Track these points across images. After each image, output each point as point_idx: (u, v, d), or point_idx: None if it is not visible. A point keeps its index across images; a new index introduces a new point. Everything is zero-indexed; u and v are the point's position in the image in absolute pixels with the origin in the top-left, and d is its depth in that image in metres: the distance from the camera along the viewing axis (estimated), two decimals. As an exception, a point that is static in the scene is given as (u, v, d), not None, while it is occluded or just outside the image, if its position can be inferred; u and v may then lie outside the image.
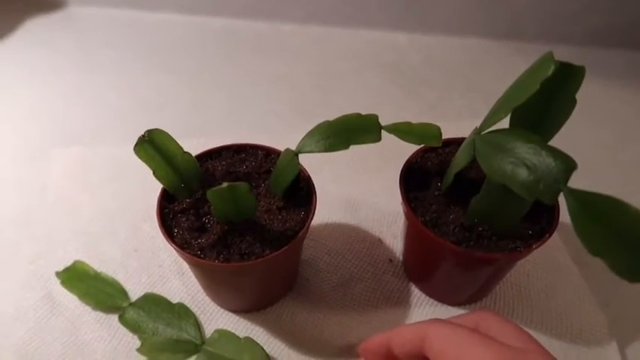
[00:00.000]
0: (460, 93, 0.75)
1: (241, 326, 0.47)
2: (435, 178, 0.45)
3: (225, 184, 0.36)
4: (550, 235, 0.40)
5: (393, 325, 0.47)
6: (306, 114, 0.69)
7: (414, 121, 0.43)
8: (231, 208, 0.39)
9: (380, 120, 0.42)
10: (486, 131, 0.37)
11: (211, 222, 0.42)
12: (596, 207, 0.30)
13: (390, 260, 0.52)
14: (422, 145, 0.46)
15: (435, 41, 0.85)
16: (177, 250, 0.40)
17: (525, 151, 0.33)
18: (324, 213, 0.56)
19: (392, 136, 0.42)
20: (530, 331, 0.46)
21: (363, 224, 0.55)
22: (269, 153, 0.47)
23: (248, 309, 0.48)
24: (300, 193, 0.45)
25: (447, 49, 0.84)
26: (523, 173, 0.33)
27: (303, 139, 0.42)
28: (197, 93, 0.73)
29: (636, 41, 0.82)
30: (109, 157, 0.62)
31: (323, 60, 0.80)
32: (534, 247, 0.40)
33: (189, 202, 0.43)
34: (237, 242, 0.40)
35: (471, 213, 0.41)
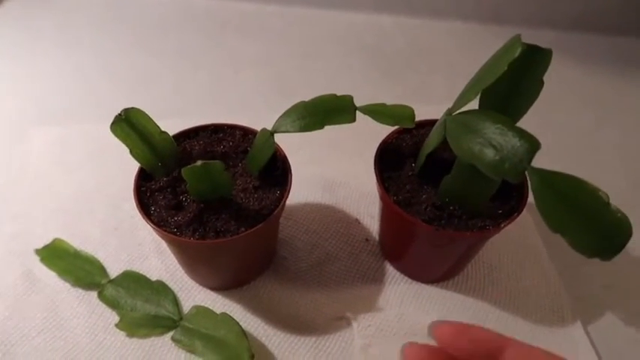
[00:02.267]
0: (443, 77, 0.75)
1: (219, 303, 0.48)
2: (409, 158, 0.46)
3: (199, 162, 0.36)
4: (518, 214, 0.42)
5: (366, 302, 0.48)
6: (288, 95, 0.70)
7: (403, 104, 0.44)
8: (206, 187, 0.40)
9: (361, 102, 0.42)
10: (457, 112, 0.38)
11: (188, 200, 0.42)
12: (557, 185, 0.32)
13: (367, 240, 0.53)
14: (397, 127, 0.47)
15: (419, 24, 0.85)
16: (153, 228, 0.40)
17: (492, 131, 0.34)
18: (303, 193, 0.57)
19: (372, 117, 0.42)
20: (499, 311, 0.48)
21: (340, 204, 0.56)
22: (246, 133, 0.48)
23: (226, 286, 0.49)
24: (277, 172, 0.45)
25: (431, 33, 0.84)
26: (490, 153, 0.34)
27: (278, 119, 0.42)
28: (178, 73, 0.73)
29: (618, 26, 0.83)
30: (88, 136, 0.62)
31: (306, 41, 0.80)
32: (503, 225, 0.41)
33: (166, 181, 0.43)
34: (213, 220, 0.41)
35: (443, 193, 0.42)
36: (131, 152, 0.42)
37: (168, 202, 0.42)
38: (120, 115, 0.40)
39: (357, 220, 0.55)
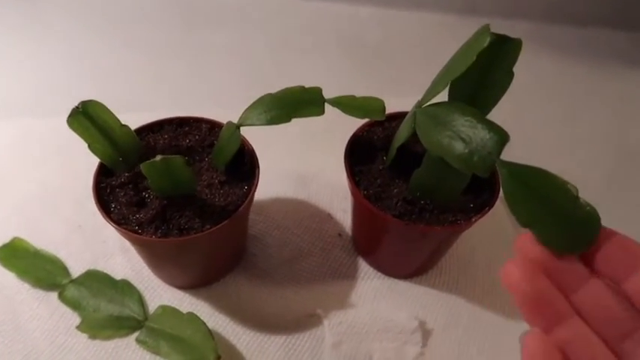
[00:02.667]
0: (419, 68, 0.73)
1: (186, 302, 0.46)
2: (380, 152, 0.45)
3: (159, 157, 0.35)
4: (490, 208, 0.41)
5: (338, 299, 0.47)
6: (263, 87, 0.67)
7: (373, 96, 0.43)
8: (168, 183, 0.38)
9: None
10: (427, 104, 0.37)
11: (151, 197, 0.41)
12: (526, 179, 0.31)
13: (339, 235, 0.52)
14: (368, 119, 0.46)
15: (396, 15, 0.84)
16: (113, 226, 0.39)
17: (462, 124, 0.33)
18: (275, 188, 0.55)
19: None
20: (472, 305, 0.48)
21: (313, 199, 0.55)
22: (213, 126, 0.46)
23: (193, 285, 0.47)
24: (244, 167, 0.44)
25: (408, 24, 0.83)
26: (459, 146, 0.33)
27: (244, 112, 0.41)
28: (152, 64, 0.71)
29: (592, 18, 0.83)
30: (53, 130, 0.60)
31: (282, 32, 0.79)
32: (474, 219, 0.40)
33: (128, 177, 0.41)
34: (177, 217, 0.40)
35: (413, 187, 0.41)
36: (90, 147, 0.40)
37: (129, 198, 0.40)
38: (77, 107, 0.39)
39: (329, 214, 0.54)
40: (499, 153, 0.32)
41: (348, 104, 0.41)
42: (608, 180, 0.61)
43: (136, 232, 0.39)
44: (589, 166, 0.63)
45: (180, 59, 0.72)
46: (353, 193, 0.43)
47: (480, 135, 0.32)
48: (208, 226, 0.39)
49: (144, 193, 0.41)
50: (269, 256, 0.50)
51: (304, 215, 0.53)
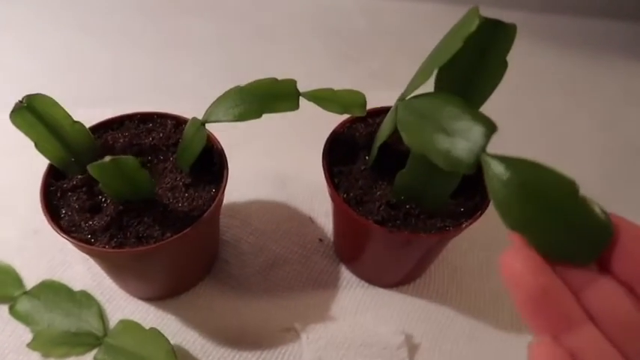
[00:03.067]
0: (407, 60, 0.69)
1: (151, 315, 0.42)
2: (363, 150, 0.41)
3: (108, 158, 0.31)
4: (482, 213, 0.37)
5: (317, 311, 0.44)
6: (238, 80, 0.63)
7: (354, 89, 0.39)
8: (122, 186, 0.34)
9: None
10: (410, 96, 0.33)
11: (107, 202, 0.37)
12: (517, 174, 0.26)
13: (320, 240, 0.48)
14: (350, 115, 0.42)
15: (383, 5, 0.80)
16: (61, 235, 0.35)
17: (445, 115, 0.29)
18: (251, 189, 0.51)
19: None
20: (463, 317, 0.44)
21: (293, 201, 0.51)
22: (179, 123, 0.42)
23: (159, 296, 0.43)
24: (213, 168, 0.40)
25: (395, 14, 0.79)
26: (441, 140, 0.29)
27: (210, 106, 0.37)
28: (117, 55, 0.67)
29: (590, 8, 0.79)
30: (7, 127, 0.55)
31: (260, 22, 0.74)
32: (464, 225, 0.37)
33: (81, 179, 0.37)
34: (134, 224, 0.36)
35: (397, 189, 0.37)
36: (37, 146, 0.36)
37: (82, 203, 0.36)
38: (21, 102, 0.34)
39: (310, 218, 0.50)
40: (485, 145, 0.27)
41: (325, 98, 0.37)
42: (608, 177, 0.58)
43: (87, 241, 0.35)
44: (588, 163, 0.59)
45: (149, 50, 0.68)
46: (332, 197, 0.39)
47: (464, 126, 0.28)
48: (169, 234, 0.35)
49: (100, 198, 0.37)
50: (243, 263, 0.46)
51: (283, 219, 0.49)
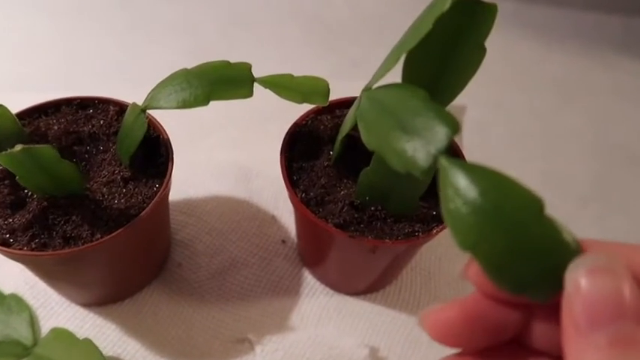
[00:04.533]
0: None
1: (89, 323, 0.38)
2: (328, 145, 0.37)
3: (18, 147, 0.26)
4: (455, 218, 0.33)
5: (275, 320, 0.40)
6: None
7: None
8: (42, 180, 0.30)
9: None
10: (375, 86, 0.29)
11: (33, 197, 0.32)
12: (476, 184, 0.22)
13: (283, 241, 0.44)
14: (315, 105, 0.38)
15: (366, -9, 0.76)
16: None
17: (406, 110, 0.25)
18: (211, 184, 0.47)
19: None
20: (434, 327, 0.40)
21: (256, 198, 0.47)
22: (123, 109, 0.37)
23: (98, 302, 0.39)
24: (159, 160, 0.36)
25: (377, 2, 0.74)
26: (397, 138, 0.25)
27: (152, 91, 0.33)
28: (76, 38, 0.62)
29: (582, 1, 0.75)
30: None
31: (234, 7, 0.70)
32: (435, 232, 0.33)
33: (2, 170, 0.33)
34: (61, 223, 0.31)
35: (361, 189, 0.33)
36: (-51, 132, 0.31)
37: (3, 198, 0.32)
38: None
39: (273, 217, 0.46)
40: (444, 148, 0.23)
41: (281, 85, 0.33)
42: (597, 177, 0.54)
43: (4, 242, 0.30)
44: (577, 162, 0.56)
45: (111, 34, 0.63)
46: (290, 196, 0.35)
47: (424, 124, 0.24)
48: (99, 235, 0.31)
49: (25, 192, 0.33)
50: (197, 266, 0.42)
51: (243, 217, 0.45)
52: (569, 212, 0.51)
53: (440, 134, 0.23)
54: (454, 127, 0.22)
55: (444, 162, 0.23)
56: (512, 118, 0.60)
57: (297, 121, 0.38)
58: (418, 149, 0.24)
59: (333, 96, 0.38)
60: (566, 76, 0.66)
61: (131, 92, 0.39)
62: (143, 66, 0.60)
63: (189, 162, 0.48)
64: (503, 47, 0.66)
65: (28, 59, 0.58)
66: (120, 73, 0.58)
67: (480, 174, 0.22)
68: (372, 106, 0.28)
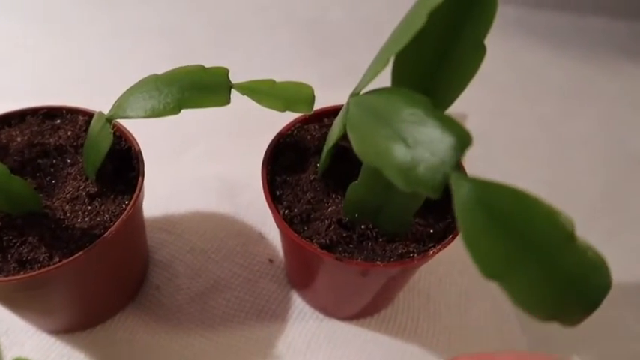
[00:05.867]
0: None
1: (55, 352, 0.35)
2: (314, 157, 0.34)
3: (-41, 162, 0.23)
4: (455, 237, 0.30)
5: (261, 347, 0.36)
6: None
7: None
8: (-8, 197, 0.27)
9: None
10: (364, 91, 0.26)
11: (-11, 215, 0.29)
12: (495, 205, 0.20)
13: (270, 261, 0.41)
14: (301, 114, 0.35)
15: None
16: None
17: (404, 118, 0.22)
18: (193, 199, 0.44)
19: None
20: (433, 355, 0.37)
21: (241, 214, 0.44)
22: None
23: (67, 329, 0.36)
24: (131, 174, 0.33)
25: (374, 5, 0.72)
26: (398, 152, 0.22)
27: (119, 98, 0.30)
28: (55, 45, 0.59)
29: (589, 5, 0.72)
30: None
31: (226, 10, 0.67)
32: (432, 252, 0.29)
33: (-45, 187, 0.30)
34: (17, 245, 0.28)
35: (349, 206, 0.30)
36: None
37: (-46, 217, 0.29)
38: None
39: (260, 234, 0.42)
40: (456, 163, 0.21)
41: (262, 91, 0.30)
42: (606, 188, 0.51)
43: (-50, 266, 0.27)
44: (585, 172, 0.52)
45: (93, 40, 0.60)
46: (272, 213, 0.32)
47: (429, 135, 0.21)
48: (58, 259, 0.28)
49: (-20, 210, 0.30)
50: (176, 288, 0.39)
51: (227, 234, 0.42)
52: (577, 227, 0.48)
53: (449, 147, 0.20)
54: (465, 138, 0.20)
55: (458, 180, 0.20)
56: (516, 127, 0.57)
57: (281, 131, 0.35)
58: (425, 165, 0.21)
59: (327, 104, 0.35)
60: (571, 82, 0.63)
61: (112, 101, 0.37)
62: (126, 73, 0.57)
63: (170, 176, 0.45)
64: (506, 54, 0.63)
65: (4, 66, 0.56)
66: (101, 80, 0.56)
67: (501, 194, 0.20)
68: (362, 113, 0.25)
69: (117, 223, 0.29)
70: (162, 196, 0.44)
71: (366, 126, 0.24)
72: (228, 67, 0.31)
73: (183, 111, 0.42)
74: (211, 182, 0.45)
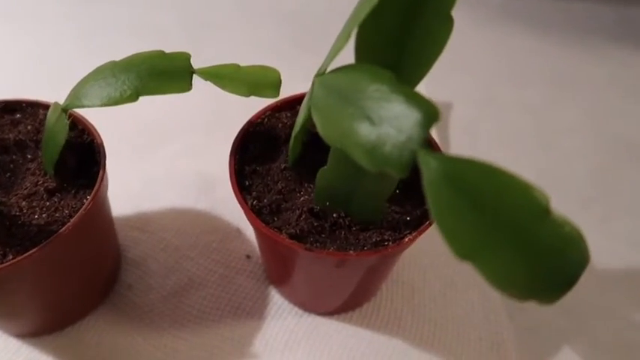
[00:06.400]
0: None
1: (22, 356, 0.34)
2: (286, 145, 0.33)
3: None
4: (432, 223, 0.29)
5: (237, 346, 0.35)
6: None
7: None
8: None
9: None
10: (328, 71, 0.25)
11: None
12: (465, 180, 0.19)
13: (248, 257, 0.40)
14: (277, 100, 0.34)
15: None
16: None
17: (369, 95, 0.21)
18: (169, 195, 0.42)
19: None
20: (420, 351, 0.36)
21: (219, 209, 0.42)
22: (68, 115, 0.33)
23: (34, 332, 0.34)
24: (96, 168, 0.31)
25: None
26: (363, 130, 0.21)
27: (74, 87, 0.29)
28: (29, 41, 0.58)
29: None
30: None
31: (203, 6, 0.66)
32: (408, 239, 0.28)
33: None
34: (-31, 242, 0.27)
35: (320, 193, 0.29)
36: None
37: None
38: None
39: (238, 229, 0.41)
40: (423, 139, 0.19)
41: (225, 76, 0.29)
42: (597, 174, 0.50)
43: None
44: (576, 159, 0.51)
45: (68, 37, 0.59)
46: (240, 204, 0.30)
47: (394, 111, 0.20)
48: (11, 256, 0.26)
49: None
50: (149, 287, 0.37)
51: (203, 231, 0.41)
52: (569, 214, 0.46)
53: (416, 122, 0.19)
54: (432, 113, 0.18)
55: (425, 156, 0.19)
56: (504, 114, 0.56)
57: (251, 118, 0.33)
58: (391, 142, 0.20)
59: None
60: (559, 68, 0.62)
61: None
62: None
63: (145, 172, 0.44)
64: (491, 41, 0.62)
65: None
66: (75, 77, 0.54)
67: (472, 169, 0.18)
68: (327, 93, 0.23)
69: (74, 218, 0.28)
70: (136, 192, 0.42)
71: (330, 106, 0.23)
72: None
73: (159, 104, 0.41)
74: (188, 177, 0.44)
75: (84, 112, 0.33)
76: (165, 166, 0.44)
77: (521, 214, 0.18)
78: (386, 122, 0.20)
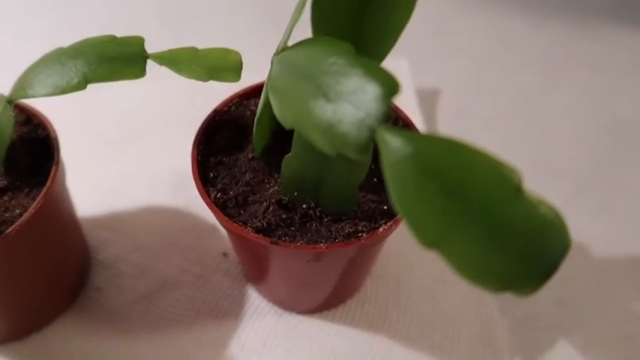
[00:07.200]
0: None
1: (-16, 365, 0.32)
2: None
3: None
4: (409, 211, 0.27)
5: (212, 349, 0.33)
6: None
7: (214, 47, 0.29)
8: None
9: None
10: (287, 49, 0.23)
11: None
12: (428, 159, 0.17)
13: (225, 254, 0.38)
14: (245, 87, 0.32)
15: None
16: None
17: (326, 69, 0.19)
18: (143, 193, 0.41)
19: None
20: (405, 348, 0.33)
21: (195, 206, 0.40)
22: (19, 108, 0.31)
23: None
24: (50, 164, 0.29)
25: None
26: (319, 108, 0.19)
27: (20, 76, 0.27)
28: (3, 40, 0.56)
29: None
30: None
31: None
32: (382, 230, 0.26)
33: None
34: None
35: (287, 182, 0.27)
36: None
37: None
38: None
39: (214, 226, 0.39)
40: (383, 115, 0.17)
41: (182, 60, 0.27)
42: (594, 158, 0.47)
43: None
44: (571, 144, 0.49)
45: (42, 33, 0.57)
46: (202, 197, 0.28)
47: (351, 86, 0.18)
48: (-45, 260, 0.25)
49: None
50: (120, 290, 0.35)
51: (178, 229, 0.39)
52: (564, 200, 0.44)
53: (374, 97, 0.17)
54: (391, 85, 0.16)
55: (384, 134, 0.17)
56: (496, 99, 0.53)
57: (217, 107, 0.31)
58: (347, 120, 0.18)
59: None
60: (553, 50, 0.59)
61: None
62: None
63: (118, 169, 0.42)
64: (484, 23, 0.60)
65: None
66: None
67: (436, 147, 0.16)
68: (283, 70, 0.21)
69: (22, 218, 0.26)
70: (107, 191, 0.40)
71: (286, 85, 0.21)
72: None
73: (136, 99, 0.39)
74: (162, 174, 0.42)
75: (52, 106, 0.31)
76: (139, 163, 0.42)
77: (491, 195, 0.16)
78: (343, 98, 0.18)
